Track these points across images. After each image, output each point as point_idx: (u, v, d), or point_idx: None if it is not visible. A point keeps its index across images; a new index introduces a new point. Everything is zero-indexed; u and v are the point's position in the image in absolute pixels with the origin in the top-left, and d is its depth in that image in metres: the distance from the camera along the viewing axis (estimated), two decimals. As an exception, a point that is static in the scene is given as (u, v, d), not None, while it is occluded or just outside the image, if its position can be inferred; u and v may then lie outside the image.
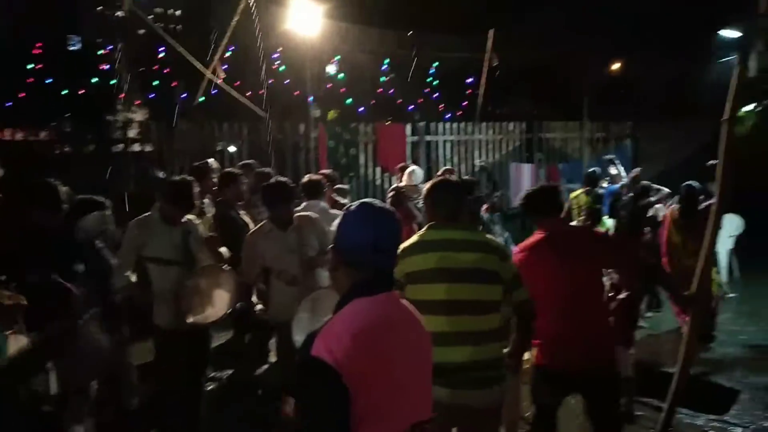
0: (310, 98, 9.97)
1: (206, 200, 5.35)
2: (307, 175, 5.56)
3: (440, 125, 11.21)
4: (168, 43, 8.89)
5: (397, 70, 12.94)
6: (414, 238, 2.98)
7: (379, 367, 1.69)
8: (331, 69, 12.17)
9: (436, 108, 13.35)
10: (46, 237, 3.56)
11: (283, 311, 3.96)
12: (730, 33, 12.49)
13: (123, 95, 8.56)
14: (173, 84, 10.56)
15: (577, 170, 11.02)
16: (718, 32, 12.67)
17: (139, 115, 8.85)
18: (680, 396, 3.67)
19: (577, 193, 8.00)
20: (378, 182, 10.48)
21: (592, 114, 12.32)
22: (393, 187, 6.14)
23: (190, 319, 3.87)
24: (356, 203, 1.89)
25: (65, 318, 3.03)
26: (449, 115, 13.00)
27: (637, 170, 8.56)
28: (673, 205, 6.50)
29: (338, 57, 11.97)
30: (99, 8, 9.67)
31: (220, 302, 3.98)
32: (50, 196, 3.73)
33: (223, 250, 4.30)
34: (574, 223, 6.71)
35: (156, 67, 11.04)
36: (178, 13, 11.85)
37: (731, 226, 7.71)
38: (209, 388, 4.80)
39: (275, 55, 11.04)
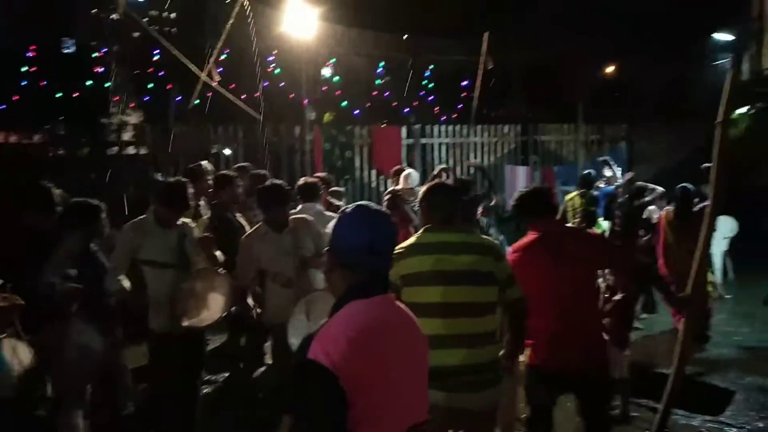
0: (306, 101, 9.97)
1: (202, 203, 5.34)
2: (303, 178, 5.55)
3: (436, 128, 11.20)
4: (163, 46, 8.86)
5: (392, 73, 12.96)
6: (410, 241, 2.98)
7: (375, 370, 1.69)
8: (326, 72, 12.17)
9: (432, 111, 13.38)
10: (40, 239, 3.56)
11: (278, 314, 3.97)
12: (723, 36, 12.56)
13: (117, 98, 8.53)
14: (168, 87, 10.52)
15: (572, 173, 11.02)
16: (711, 35, 12.73)
17: (133, 118, 8.83)
18: (675, 397, 3.68)
19: (572, 196, 8.00)
20: (373, 185, 10.47)
21: (587, 116, 12.34)
22: (389, 190, 6.14)
23: (185, 323, 3.85)
24: (352, 206, 1.91)
25: (60, 320, 3.02)
26: (444, 117, 13.01)
27: (631, 174, 8.58)
28: (667, 207, 6.53)
29: (334, 60, 11.98)
30: (93, 11, 9.66)
31: (215, 305, 3.97)
32: (44, 198, 3.72)
33: (218, 253, 4.28)
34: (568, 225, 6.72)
35: (151, 69, 10.99)
36: (172, 15, 11.82)
37: (725, 227, 7.75)
38: (204, 391, 4.78)
39: (270, 58, 11.04)
